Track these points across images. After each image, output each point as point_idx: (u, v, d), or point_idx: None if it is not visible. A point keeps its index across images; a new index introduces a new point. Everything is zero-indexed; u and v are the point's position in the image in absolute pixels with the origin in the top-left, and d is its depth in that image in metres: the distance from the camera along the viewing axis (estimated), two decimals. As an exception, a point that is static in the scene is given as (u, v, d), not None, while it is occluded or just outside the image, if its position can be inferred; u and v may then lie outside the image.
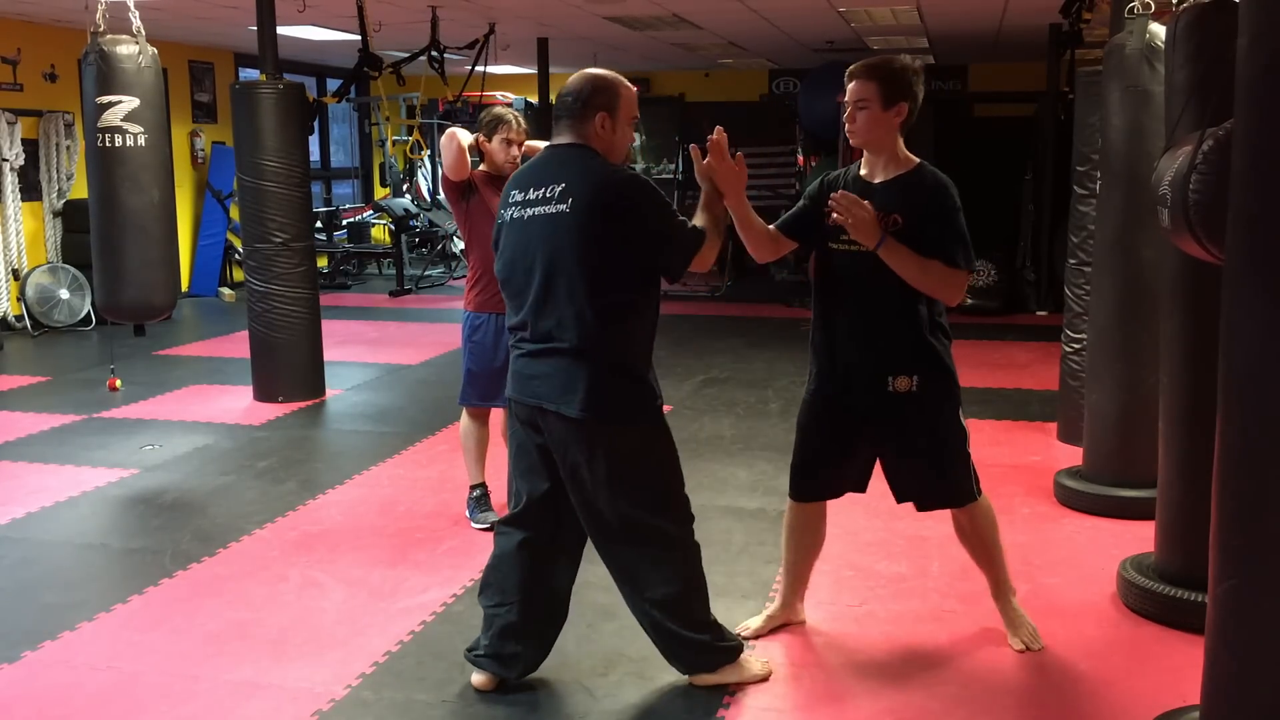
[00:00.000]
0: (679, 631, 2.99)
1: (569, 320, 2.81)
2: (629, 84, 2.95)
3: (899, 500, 3.31)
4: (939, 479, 3.24)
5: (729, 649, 3.09)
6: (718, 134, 2.97)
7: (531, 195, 2.88)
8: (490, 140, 4.29)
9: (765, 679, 3.14)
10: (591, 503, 2.91)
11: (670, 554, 2.98)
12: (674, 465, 3.00)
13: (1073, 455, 5.16)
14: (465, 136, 4.22)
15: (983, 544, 3.35)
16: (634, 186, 2.85)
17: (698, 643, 3.03)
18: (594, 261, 2.79)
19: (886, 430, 3.19)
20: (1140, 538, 4.05)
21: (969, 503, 3.28)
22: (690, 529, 3.03)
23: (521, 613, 3.04)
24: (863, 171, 3.18)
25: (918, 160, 3.16)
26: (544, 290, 2.84)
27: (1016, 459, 5.40)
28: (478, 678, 3.11)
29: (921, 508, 3.36)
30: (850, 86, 3.08)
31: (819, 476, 3.32)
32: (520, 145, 4.31)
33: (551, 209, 2.82)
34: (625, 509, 2.90)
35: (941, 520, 3.52)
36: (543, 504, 3.00)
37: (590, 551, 3.09)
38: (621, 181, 2.85)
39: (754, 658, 3.18)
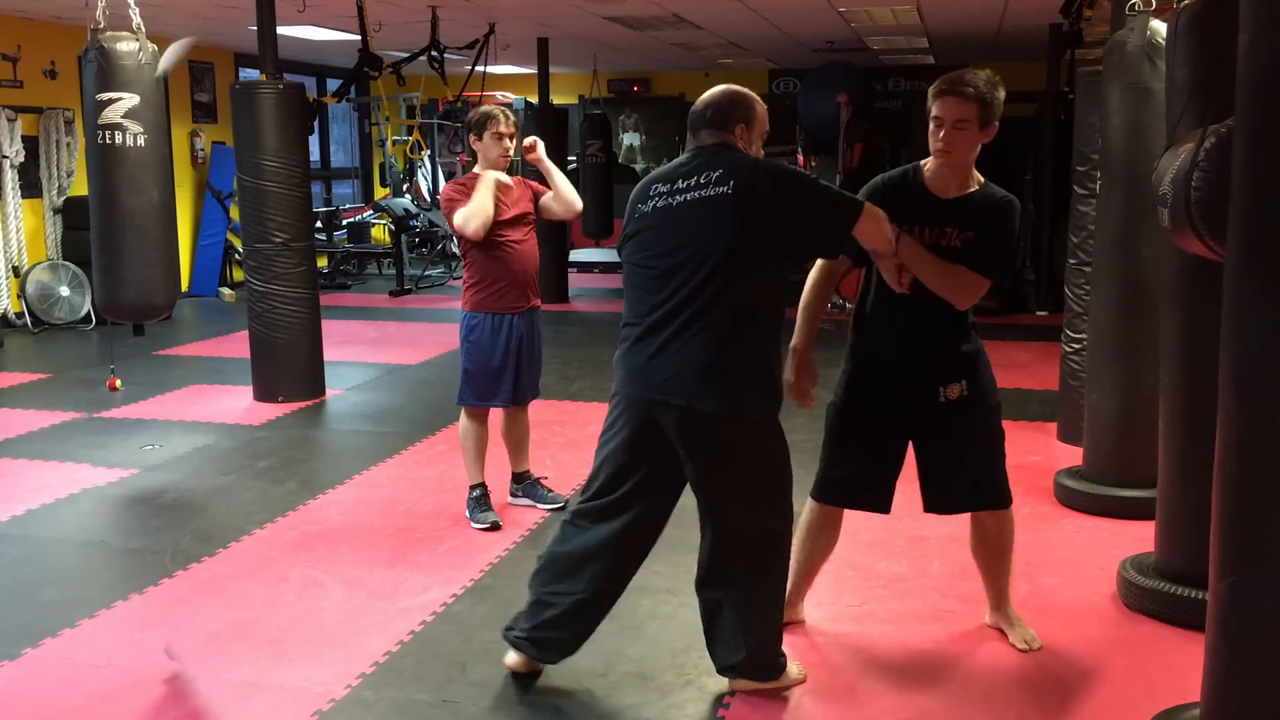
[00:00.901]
0: (751, 632, 2.96)
1: (716, 302, 2.79)
2: (761, 100, 3.02)
3: (929, 509, 3.30)
4: (984, 480, 3.25)
5: (781, 664, 3.07)
6: None
7: (681, 185, 2.88)
8: (481, 138, 4.30)
9: (803, 683, 3.13)
10: (716, 495, 2.91)
11: (774, 553, 2.97)
12: (789, 464, 2.99)
13: (1073, 455, 5.15)
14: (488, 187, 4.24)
15: (1001, 551, 3.36)
16: (792, 169, 2.92)
17: (763, 649, 3.00)
18: (755, 238, 2.79)
19: (933, 434, 3.21)
20: (1140, 537, 4.05)
21: (1008, 505, 3.30)
22: (791, 531, 3.02)
23: (580, 604, 3.03)
24: (929, 185, 3.16)
25: (984, 179, 3.19)
26: (692, 272, 2.82)
27: (1016, 459, 5.34)
28: (514, 659, 3.13)
29: (958, 510, 3.34)
30: (946, 103, 3.06)
31: (849, 481, 3.31)
32: (511, 138, 4.33)
33: (710, 192, 2.83)
34: (749, 505, 2.91)
35: (941, 521, 3.52)
36: (630, 500, 2.98)
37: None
38: (780, 166, 2.91)
39: (793, 664, 3.14)
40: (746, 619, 2.97)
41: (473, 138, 4.35)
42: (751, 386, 2.85)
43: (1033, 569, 3.95)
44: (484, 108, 4.39)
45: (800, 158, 12.09)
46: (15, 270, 9.37)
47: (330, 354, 7.20)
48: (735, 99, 2.95)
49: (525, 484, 4.70)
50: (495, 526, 4.40)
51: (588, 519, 3.04)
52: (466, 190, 4.29)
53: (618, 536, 3.00)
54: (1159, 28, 4.31)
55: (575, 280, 11.72)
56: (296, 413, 6.45)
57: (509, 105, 13.71)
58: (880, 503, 3.31)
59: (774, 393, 2.92)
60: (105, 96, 4.87)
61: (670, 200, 2.90)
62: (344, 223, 13.24)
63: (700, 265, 2.80)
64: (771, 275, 2.88)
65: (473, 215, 4.19)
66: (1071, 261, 5.49)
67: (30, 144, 9.46)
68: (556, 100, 11.39)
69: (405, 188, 13.55)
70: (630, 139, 15.56)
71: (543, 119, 10.34)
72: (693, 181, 2.87)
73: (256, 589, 3.86)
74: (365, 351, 8.38)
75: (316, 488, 5.01)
